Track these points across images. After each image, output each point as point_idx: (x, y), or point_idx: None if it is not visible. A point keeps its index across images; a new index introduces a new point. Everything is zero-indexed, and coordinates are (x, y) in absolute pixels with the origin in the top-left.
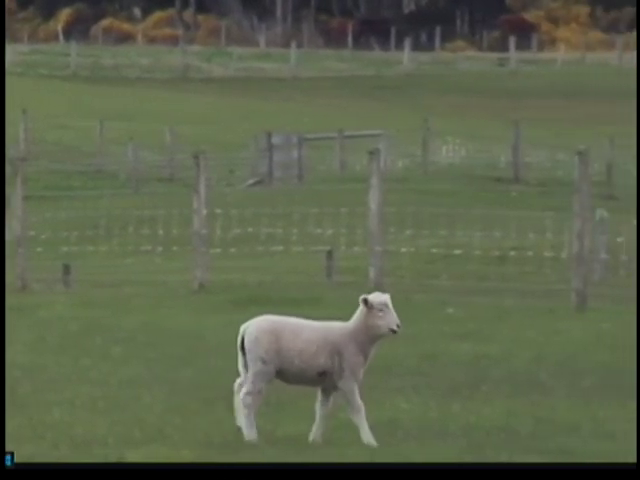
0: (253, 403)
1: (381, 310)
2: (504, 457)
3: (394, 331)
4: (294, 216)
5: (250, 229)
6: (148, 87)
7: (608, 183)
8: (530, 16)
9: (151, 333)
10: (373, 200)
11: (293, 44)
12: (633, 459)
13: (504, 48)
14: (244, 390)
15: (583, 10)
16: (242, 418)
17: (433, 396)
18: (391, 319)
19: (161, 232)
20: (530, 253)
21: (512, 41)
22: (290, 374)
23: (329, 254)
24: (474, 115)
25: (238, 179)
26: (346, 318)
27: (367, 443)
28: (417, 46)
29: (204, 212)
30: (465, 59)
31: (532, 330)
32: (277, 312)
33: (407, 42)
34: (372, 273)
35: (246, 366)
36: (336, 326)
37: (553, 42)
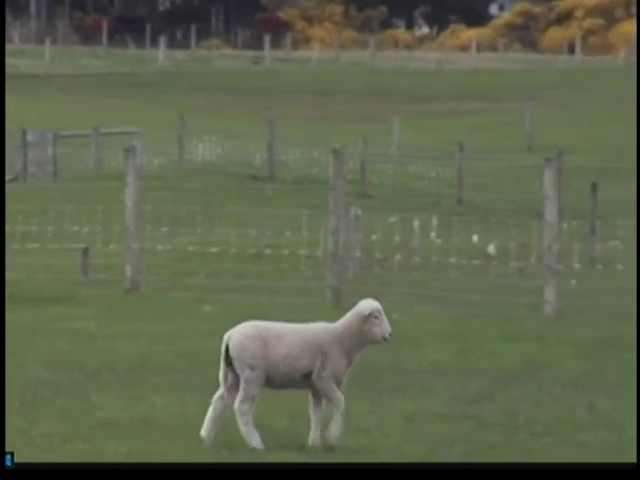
0: (249, 409)
1: (377, 317)
2: (260, 454)
3: (386, 339)
4: (49, 213)
5: (5, 226)
6: None
7: (362, 181)
8: (285, 15)
9: None
10: (129, 198)
11: (47, 41)
12: (387, 457)
13: (259, 46)
14: (238, 399)
15: (337, 9)
16: (241, 427)
17: (190, 393)
18: (385, 327)
19: None
20: (286, 251)
21: (267, 40)
22: (276, 379)
23: (85, 252)
24: (230, 113)
25: None
26: (102, 316)
27: (331, 438)
28: (173, 44)
29: None
30: (221, 57)
31: None
32: (33, 311)
33: (162, 40)
34: (129, 271)
35: (227, 376)
36: (321, 327)
37: (307, 41)
